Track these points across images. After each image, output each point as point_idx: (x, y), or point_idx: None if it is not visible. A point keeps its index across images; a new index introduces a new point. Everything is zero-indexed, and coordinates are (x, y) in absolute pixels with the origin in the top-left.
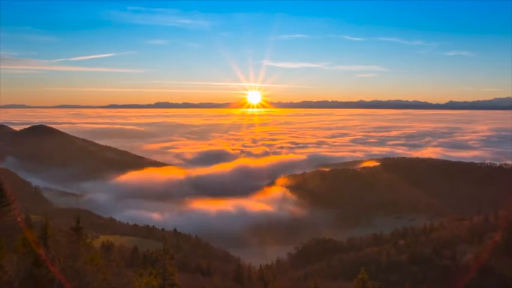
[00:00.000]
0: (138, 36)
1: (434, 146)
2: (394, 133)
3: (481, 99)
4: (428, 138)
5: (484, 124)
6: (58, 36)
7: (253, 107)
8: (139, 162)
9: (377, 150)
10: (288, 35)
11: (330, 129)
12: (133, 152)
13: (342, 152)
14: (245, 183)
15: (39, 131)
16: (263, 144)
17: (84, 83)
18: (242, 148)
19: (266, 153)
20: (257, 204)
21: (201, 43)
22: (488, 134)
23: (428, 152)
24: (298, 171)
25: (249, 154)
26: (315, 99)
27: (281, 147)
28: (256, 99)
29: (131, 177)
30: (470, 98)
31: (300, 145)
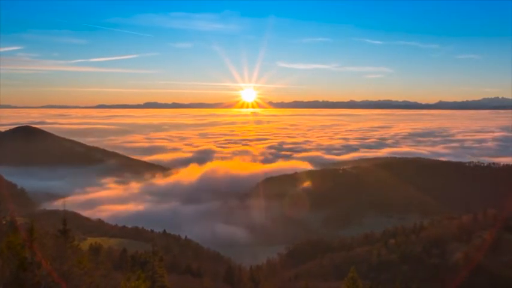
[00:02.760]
0: (166, 40)
1: (425, 145)
2: (385, 133)
3: (470, 99)
4: (418, 138)
5: (472, 123)
6: (90, 38)
7: (247, 107)
8: (130, 163)
9: (368, 149)
10: (311, 38)
11: (320, 128)
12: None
13: (333, 151)
14: (233, 185)
15: (25, 132)
16: (238, 146)
17: (86, 83)
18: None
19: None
20: (247, 204)
21: (222, 46)
22: (478, 133)
23: (418, 151)
24: (288, 172)
25: (236, 154)
26: (305, 100)
27: (271, 148)
28: (250, 99)
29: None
30: (459, 98)
31: (290, 145)
